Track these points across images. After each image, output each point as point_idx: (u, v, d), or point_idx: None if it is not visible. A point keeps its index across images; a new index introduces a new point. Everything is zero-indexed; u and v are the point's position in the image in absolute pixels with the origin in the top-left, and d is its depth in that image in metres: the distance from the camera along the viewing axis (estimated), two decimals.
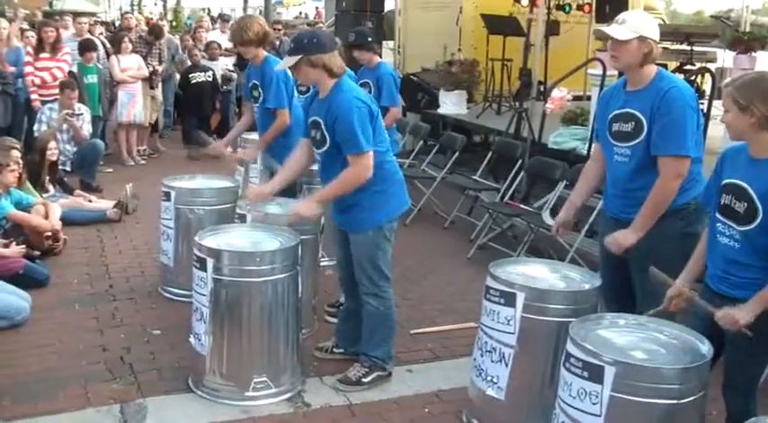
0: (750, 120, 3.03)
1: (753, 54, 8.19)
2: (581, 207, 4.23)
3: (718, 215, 3.21)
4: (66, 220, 6.87)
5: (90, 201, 7.87)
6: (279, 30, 13.24)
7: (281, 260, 4.08)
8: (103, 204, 7.79)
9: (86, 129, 9.02)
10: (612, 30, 3.70)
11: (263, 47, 5.40)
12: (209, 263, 4.04)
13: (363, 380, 4.28)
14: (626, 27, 3.66)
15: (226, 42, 12.43)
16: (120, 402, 4.06)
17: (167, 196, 5.60)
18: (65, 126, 8.77)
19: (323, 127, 4.07)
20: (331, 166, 4.13)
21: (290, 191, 4.98)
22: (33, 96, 9.32)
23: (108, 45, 11.13)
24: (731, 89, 3.09)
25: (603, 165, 3.97)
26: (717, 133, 6.90)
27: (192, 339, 4.24)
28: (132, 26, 11.72)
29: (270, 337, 4.12)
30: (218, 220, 5.30)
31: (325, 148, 4.11)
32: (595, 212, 5.63)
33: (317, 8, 28.42)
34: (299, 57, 4.04)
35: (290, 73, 5.20)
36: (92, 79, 9.84)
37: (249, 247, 4.23)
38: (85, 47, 9.91)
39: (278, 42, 12.58)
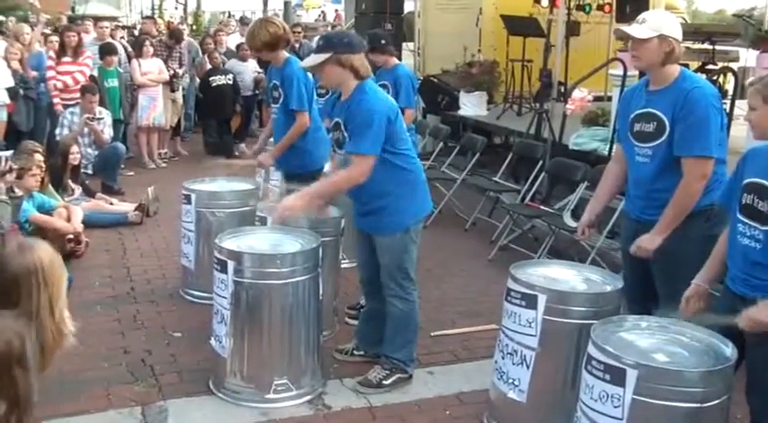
0: None
1: None
2: (604, 208, 4.21)
3: (739, 215, 3.16)
4: (88, 223, 6.92)
5: (111, 203, 7.93)
6: (298, 32, 13.25)
7: (301, 262, 4.08)
8: (125, 207, 7.84)
9: (107, 132, 9.09)
10: (632, 29, 3.69)
11: (280, 48, 5.28)
12: (230, 265, 4.04)
13: (384, 382, 4.27)
14: (646, 26, 3.64)
15: None
16: (142, 404, 4.08)
17: (188, 199, 5.62)
18: (86, 130, 8.84)
19: (342, 127, 4.06)
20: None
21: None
22: (55, 100, 9.40)
23: (129, 49, 11.21)
24: (760, 86, 3.04)
25: (625, 166, 3.95)
26: (740, 133, 6.82)
27: (212, 341, 4.25)
28: (151, 31, 11.70)
29: (291, 339, 4.12)
30: (239, 222, 5.30)
31: (344, 150, 4.10)
32: (617, 213, 5.59)
33: (336, 10, 28.43)
34: (329, 55, 3.98)
35: (309, 75, 5.20)
36: (113, 83, 9.91)
37: (270, 249, 4.22)
38: (106, 51, 9.98)
39: (297, 45, 12.59)
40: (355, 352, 4.63)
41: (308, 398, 4.17)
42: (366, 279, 4.49)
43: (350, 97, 4.06)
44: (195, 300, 5.55)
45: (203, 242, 5.54)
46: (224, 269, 4.07)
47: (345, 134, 4.04)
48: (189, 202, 5.61)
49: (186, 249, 5.71)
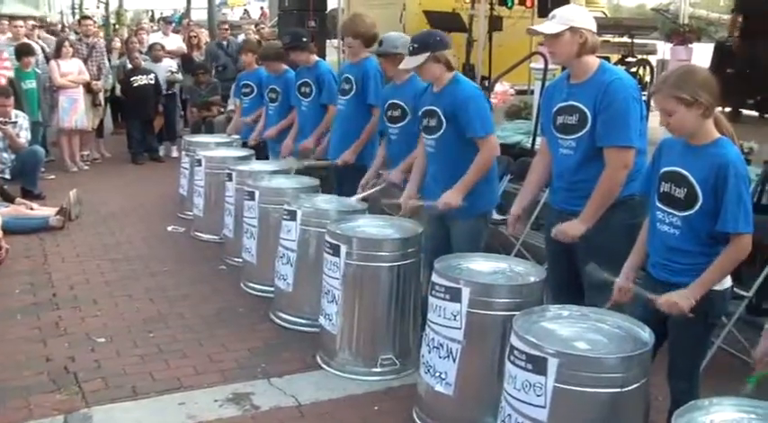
0: (698, 112, 3.06)
1: (689, 45, 8.36)
2: (531, 202, 4.29)
3: (658, 203, 3.25)
4: (7, 229, 6.73)
5: (32, 208, 7.69)
6: (226, 30, 13.17)
7: (405, 247, 4.39)
8: (46, 211, 7.61)
9: (24, 136, 8.78)
10: (543, 26, 3.79)
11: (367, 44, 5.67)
12: (343, 249, 4.34)
13: None
14: (556, 21, 3.72)
15: (169, 45, 12.27)
16: (65, 413, 3.97)
17: (251, 196, 5.73)
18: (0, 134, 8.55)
19: (440, 114, 4.39)
20: (443, 151, 4.46)
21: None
22: None
23: (48, 49, 10.92)
24: (670, 90, 3.09)
25: (550, 158, 4.00)
26: (657, 124, 6.99)
27: (321, 320, 4.56)
28: (91, 33, 11.36)
29: (396, 318, 4.41)
30: None
31: (438, 133, 4.44)
32: (540, 205, 5.66)
33: (261, 8, 28.22)
34: (427, 55, 4.34)
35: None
36: (30, 85, 9.65)
37: (378, 234, 4.55)
38: (23, 51, 9.70)
39: (225, 43, 12.47)
40: None
41: (410, 371, 4.39)
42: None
43: (447, 88, 4.44)
44: (254, 292, 5.70)
45: (265, 237, 5.66)
46: (336, 252, 4.37)
47: (443, 119, 4.39)
48: (252, 199, 5.72)
49: (248, 244, 5.81)
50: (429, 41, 4.39)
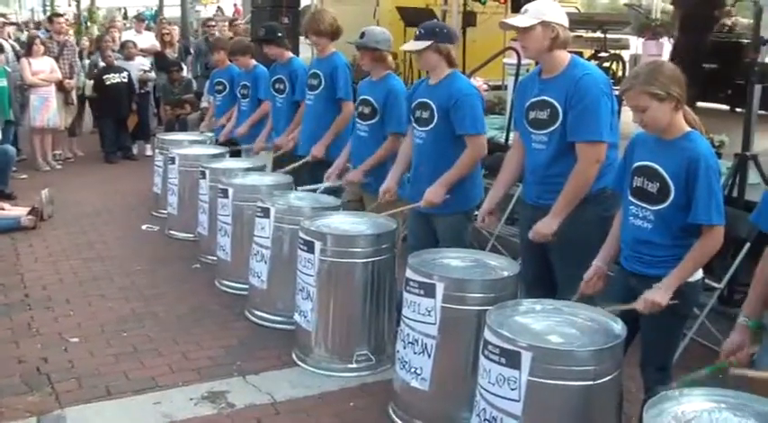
0: (670, 105, 3.11)
1: (660, 40, 8.40)
2: (504, 196, 4.30)
3: (630, 198, 3.28)
4: None
5: (3, 208, 7.61)
6: (212, 26, 13.09)
7: (379, 243, 4.39)
8: (17, 211, 7.54)
9: None
10: (515, 20, 3.81)
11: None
12: (317, 245, 4.33)
13: None
14: (527, 15, 3.74)
15: (142, 43, 12.18)
16: (38, 415, 3.94)
17: (225, 193, 5.71)
18: None
19: (433, 107, 4.39)
20: (432, 144, 4.43)
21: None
22: None
23: (18, 47, 10.80)
24: (642, 86, 3.12)
25: (524, 153, 4.02)
26: (630, 118, 7.03)
27: (296, 317, 4.56)
28: (63, 31, 11.24)
29: (371, 313, 4.41)
30: None
31: (430, 126, 4.41)
32: (514, 199, 5.67)
33: (234, 5, 28.06)
34: (430, 43, 4.35)
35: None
36: (1, 83, 9.52)
37: (351, 230, 4.53)
38: None
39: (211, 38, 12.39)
40: None
41: (386, 367, 4.40)
42: None
43: (444, 81, 4.43)
44: (230, 291, 5.68)
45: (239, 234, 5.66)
46: (311, 249, 4.35)
47: (435, 113, 4.38)
48: (226, 197, 5.71)
49: (222, 242, 5.79)
50: (435, 31, 4.42)
